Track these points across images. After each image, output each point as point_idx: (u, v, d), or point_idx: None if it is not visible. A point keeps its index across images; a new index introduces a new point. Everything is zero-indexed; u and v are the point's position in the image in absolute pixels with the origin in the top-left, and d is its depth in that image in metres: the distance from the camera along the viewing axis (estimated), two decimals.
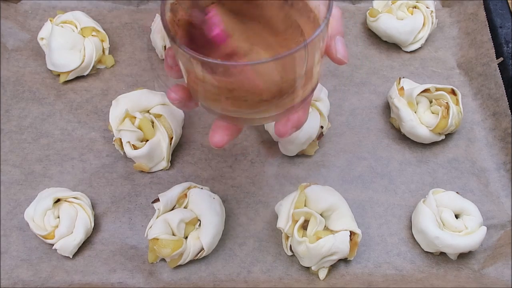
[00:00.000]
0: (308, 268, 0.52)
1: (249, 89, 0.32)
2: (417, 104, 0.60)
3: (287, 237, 0.51)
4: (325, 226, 0.51)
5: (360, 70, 0.67)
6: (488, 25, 0.65)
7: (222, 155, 0.60)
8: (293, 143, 0.56)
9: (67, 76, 0.63)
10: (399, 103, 0.59)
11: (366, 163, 0.60)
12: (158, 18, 0.66)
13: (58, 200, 0.53)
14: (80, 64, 0.63)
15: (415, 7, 0.68)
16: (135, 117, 0.56)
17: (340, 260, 0.52)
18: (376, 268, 0.53)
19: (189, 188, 0.54)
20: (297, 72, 0.32)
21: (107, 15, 0.70)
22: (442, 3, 0.73)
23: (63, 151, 0.60)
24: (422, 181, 0.59)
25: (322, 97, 0.59)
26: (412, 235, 0.55)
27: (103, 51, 0.66)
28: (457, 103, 0.60)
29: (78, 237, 0.52)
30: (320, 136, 0.59)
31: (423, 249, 0.54)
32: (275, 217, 0.53)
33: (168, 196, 0.52)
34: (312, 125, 0.56)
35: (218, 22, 0.33)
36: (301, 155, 0.60)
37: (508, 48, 0.65)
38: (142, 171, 0.58)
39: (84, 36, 0.64)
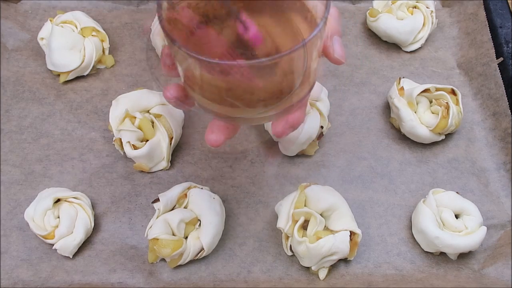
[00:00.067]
0: (308, 268, 0.52)
1: (246, 88, 0.32)
2: (417, 104, 0.60)
3: (287, 237, 0.51)
4: (325, 226, 0.51)
5: (360, 70, 0.67)
6: (488, 25, 0.65)
7: (222, 155, 0.60)
8: (293, 143, 0.56)
9: (67, 76, 0.63)
10: (399, 103, 0.59)
11: (366, 163, 0.60)
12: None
13: (58, 200, 0.53)
14: (80, 64, 0.63)
15: (415, 7, 0.68)
16: (135, 117, 0.56)
17: (340, 260, 0.52)
18: (376, 268, 0.53)
19: (189, 188, 0.54)
20: (296, 71, 0.32)
21: (107, 15, 0.70)
22: (442, 3, 0.73)
23: (63, 151, 0.60)
24: (422, 181, 0.59)
25: (322, 97, 0.59)
26: (412, 235, 0.55)
27: (103, 51, 0.66)
28: (457, 103, 0.60)
29: (78, 237, 0.52)
30: (320, 136, 0.59)
31: (423, 249, 0.54)
32: (275, 217, 0.53)
33: (168, 196, 0.52)
34: (312, 125, 0.56)
35: (251, 23, 0.33)
36: (301, 155, 0.60)
37: (508, 48, 0.65)
38: (142, 171, 0.58)
39: (84, 36, 0.64)
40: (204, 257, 0.53)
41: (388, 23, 0.66)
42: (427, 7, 0.67)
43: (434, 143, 0.61)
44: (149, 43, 0.37)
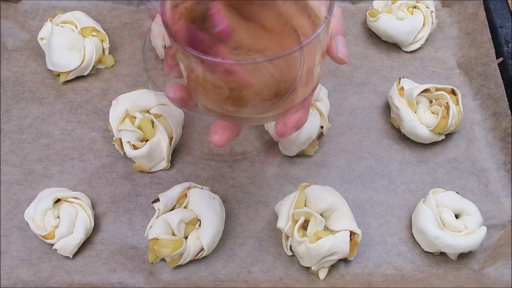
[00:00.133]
0: (308, 268, 0.52)
1: (247, 88, 0.32)
2: (417, 104, 0.60)
3: (287, 237, 0.51)
4: (325, 226, 0.51)
5: (360, 70, 0.67)
6: (488, 25, 0.65)
7: (222, 155, 0.60)
8: (293, 143, 0.56)
9: (67, 76, 0.63)
10: (399, 103, 0.59)
11: (366, 163, 0.60)
12: (158, 18, 0.66)
13: (58, 200, 0.53)
14: (80, 64, 0.63)
15: (415, 7, 0.68)
16: (135, 117, 0.56)
17: (340, 260, 0.52)
18: (376, 268, 0.53)
19: (189, 188, 0.54)
20: (295, 72, 0.32)
21: (107, 15, 0.70)
22: (442, 3, 0.73)
23: (63, 151, 0.60)
24: (422, 181, 0.59)
25: (322, 97, 0.59)
26: (412, 235, 0.55)
27: (103, 51, 0.66)
28: (457, 103, 0.60)
29: (78, 237, 0.52)
30: (320, 136, 0.59)
31: (423, 249, 0.54)
32: (275, 217, 0.53)
33: (168, 196, 0.52)
34: (312, 125, 0.56)
35: (222, 17, 0.33)
36: (301, 155, 0.60)
37: (508, 48, 0.65)
38: (142, 171, 0.58)
39: (84, 36, 0.64)
40: (204, 257, 0.53)
41: (388, 23, 0.66)
42: (427, 7, 0.67)
43: (434, 143, 0.61)
44: (146, 44, 0.37)
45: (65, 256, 0.52)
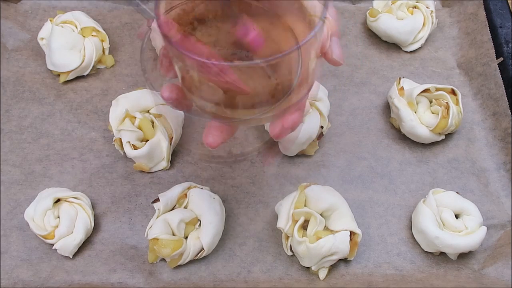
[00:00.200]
0: (308, 268, 0.52)
1: (243, 90, 0.32)
2: (417, 104, 0.60)
3: (287, 237, 0.51)
4: (325, 226, 0.51)
5: (360, 70, 0.67)
6: (488, 25, 0.65)
7: (221, 157, 0.60)
8: (293, 143, 0.56)
9: (67, 76, 0.63)
10: (399, 103, 0.59)
11: (366, 163, 0.60)
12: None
13: (58, 200, 0.53)
14: (80, 64, 0.63)
15: (415, 7, 0.68)
16: (135, 117, 0.56)
17: (340, 260, 0.52)
18: (376, 268, 0.53)
19: (189, 188, 0.54)
20: (292, 74, 0.32)
21: (107, 15, 0.70)
22: (442, 3, 0.73)
23: (63, 151, 0.60)
24: (422, 181, 0.59)
25: (322, 97, 0.59)
26: (412, 235, 0.55)
27: (103, 51, 0.66)
28: (457, 103, 0.60)
29: (78, 237, 0.52)
30: (320, 136, 0.59)
31: (423, 249, 0.54)
32: (275, 217, 0.53)
33: (168, 196, 0.52)
34: (312, 125, 0.56)
35: (253, 25, 0.33)
36: (301, 155, 0.60)
37: (508, 48, 0.65)
38: (142, 171, 0.58)
39: (84, 36, 0.64)
40: (204, 257, 0.53)
41: (388, 23, 0.66)
42: (427, 7, 0.67)
43: (434, 143, 0.61)
44: (144, 45, 0.37)
45: (65, 256, 0.52)
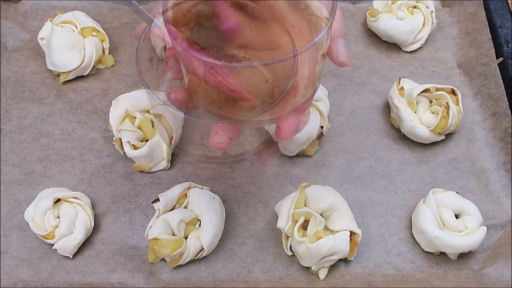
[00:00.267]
0: (308, 268, 0.52)
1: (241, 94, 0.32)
2: (417, 104, 0.60)
3: (287, 237, 0.51)
4: (325, 226, 0.51)
5: (360, 70, 0.67)
6: (488, 25, 0.65)
7: (217, 156, 0.60)
8: (290, 141, 0.56)
9: (67, 76, 0.63)
10: (399, 103, 0.59)
11: (366, 163, 0.60)
12: (159, 19, 0.65)
13: (58, 200, 0.53)
14: (80, 64, 0.63)
15: (415, 7, 0.68)
16: (135, 117, 0.56)
17: (340, 260, 0.52)
18: (376, 268, 0.53)
19: (189, 188, 0.54)
20: (288, 75, 0.32)
21: (107, 15, 0.70)
22: (442, 3, 0.73)
23: (63, 151, 0.60)
24: (422, 181, 0.59)
25: (322, 97, 0.59)
26: (412, 235, 0.55)
27: (103, 51, 0.66)
28: (457, 103, 0.60)
29: (78, 237, 0.52)
30: (320, 136, 0.59)
31: (423, 249, 0.54)
32: (275, 217, 0.53)
33: (168, 196, 0.52)
34: (312, 125, 0.56)
35: (231, 14, 0.33)
36: (301, 155, 0.60)
37: (508, 48, 0.65)
38: (142, 171, 0.58)
39: (84, 36, 0.64)
40: (204, 257, 0.53)
41: (388, 23, 0.66)
42: (427, 7, 0.67)
43: (434, 143, 0.61)
44: (139, 46, 0.37)
45: (65, 256, 0.52)
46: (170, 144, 0.57)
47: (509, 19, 0.67)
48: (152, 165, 0.58)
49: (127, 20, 0.70)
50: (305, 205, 0.51)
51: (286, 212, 0.51)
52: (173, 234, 0.50)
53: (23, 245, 0.53)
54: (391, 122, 0.63)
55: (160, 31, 0.33)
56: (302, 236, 0.49)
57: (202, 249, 0.51)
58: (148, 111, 0.58)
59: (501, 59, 0.63)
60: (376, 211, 0.57)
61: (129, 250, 0.53)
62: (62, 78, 0.64)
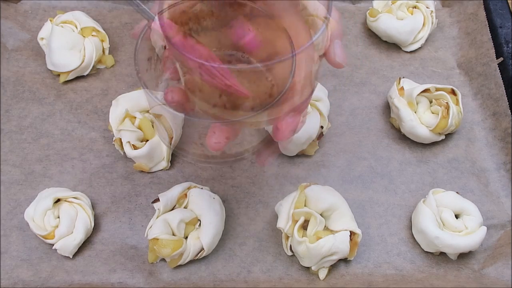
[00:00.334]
0: (308, 268, 0.52)
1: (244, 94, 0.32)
2: (417, 104, 0.60)
3: (287, 237, 0.51)
4: (325, 226, 0.51)
5: (360, 70, 0.67)
6: (488, 25, 0.65)
7: (216, 155, 0.60)
8: (293, 143, 0.56)
9: (67, 76, 0.63)
10: (399, 103, 0.59)
11: (366, 163, 0.60)
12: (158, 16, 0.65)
13: (58, 200, 0.53)
14: (80, 64, 0.63)
15: (415, 7, 0.68)
16: (135, 117, 0.56)
17: (340, 260, 0.52)
18: (376, 268, 0.53)
19: (189, 188, 0.54)
20: (286, 75, 0.32)
21: (107, 15, 0.70)
22: (442, 3, 0.73)
23: (63, 151, 0.60)
24: (422, 181, 0.59)
25: (322, 97, 0.59)
26: (412, 235, 0.55)
27: (103, 51, 0.66)
28: (457, 103, 0.60)
29: (78, 237, 0.52)
30: (320, 136, 0.59)
31: (423, 249, 0.54)
32: (275, 217, 0.53)
33: (168, 196, 0.52)
34: (312, 125, 0.56)
35: (248, 27, 0.33)
36: (301, 155, 0.60)
37: (508, 48, 0.65)
38: (142, 171, 0.58)
39: (84, 36, 0.64)
40: (204, 257, 0.53)
41: (388, 23, 0.66)
42: (427, 7, 0.67)
43: (434, 143, 0.61)
44: (138, 45, 0.37)
45: (65, 256, 0.52)
46: (170, 144, 0.57)
47: (509, 19, 0.67)
48: (152, 165, 0.58)
49: (127, 20, 0.70)
50: (305, 205, 0.51)
51: (286, 212, 0.51)
52: (173, 234, 0.50)
53: (23, 245, 0.53)
54: (391, 122, 0.63)
55: (159, 26, 0.33)
56: (302, 236, 0.49)
57: (202, 249, 0.51)
58: (148, 111, 0.58)
59: (501, 59, 0.63)
60: (376, 211, 0.57)
61: (129, 250, 0.53)
62: (62, 78, 0.64)
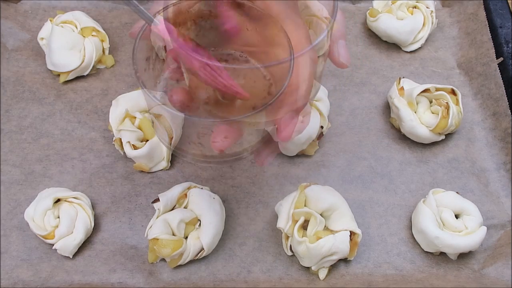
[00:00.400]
0: (308, 268, 0.52)
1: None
2: (417, 104, 0.60)
3: (287, 237, 0.51)
4: (325, 226, 0.51)
5: (360, 70, 0.67)
6: (488, 25, 0.65)
7: (222, 155, 0.60)
8: (293, 143, 0.56)
9: (67, 76, 0.63)
10: (399, 103, 0.59)
11: (366, 163, 0.60)
12: (158, 17, 0.65)
13: (58, 200, 0.53)
14: (80, 64, 0.63)
15: (415, 7, 0.68)
16: (135, 117, 0.56)
17: (340, 260, 0.52)
18: (376, 268, 0.53)
19: (189, 188, 0.54)
20: (284, 75, 0.32)
21: (107, 15, 0.70)
22: (442, 3, 0.73)
23: (63, 151, 0.60)
24: (422, 181, 0.59)
25: (322, 97, 0.59)
26: (412, 235, 0.55)
27: (103, 51, 0.66)
28: (457, 103, 0.60)
29: (78, 237, 0.52)
30: (320, 136, 0.59)
31: (423, 249, 0.54)
32: (275, 217, 0.53)
33: (168, 196, 0.52)
34: (312, 125, 0.56)
35: (231, 15, 0.33)
36: (301, 155, 0.60)
37: (508, 48, 0.65)
38: (142, 171, 0.58)
39: (84, 36, 0.64)
40: (204, 257, 0.53)
41: (388, 23, 0.66)
42: (427, 7, 0.67)
43: (434, 143, 0.61)
44: (136, 45, 0.37)
45: (65, 256, 0.52)
46: (170, 144, 0.57)
47: (509, 19, 0.67)
48: (152, 165, 0.58)
49: (127, 20, 0.70)
50: (305, 205, 0.51)
51: (286, 212, 0.51)
52: (173, 234, 0.50)
53: (23, 245, 0.53)
54: (391, 122, 0.63)
55: (159, 29, 0.33)
56: (302, 236, 0.49)
57: (202, 249, 0.51)
58: (148, 111, 0.58)
59: (501, 59, 0.63)
60: (376, 211, 0.57)
61: (129, 250, 0.53)
62: (62, 78, 0.64)
